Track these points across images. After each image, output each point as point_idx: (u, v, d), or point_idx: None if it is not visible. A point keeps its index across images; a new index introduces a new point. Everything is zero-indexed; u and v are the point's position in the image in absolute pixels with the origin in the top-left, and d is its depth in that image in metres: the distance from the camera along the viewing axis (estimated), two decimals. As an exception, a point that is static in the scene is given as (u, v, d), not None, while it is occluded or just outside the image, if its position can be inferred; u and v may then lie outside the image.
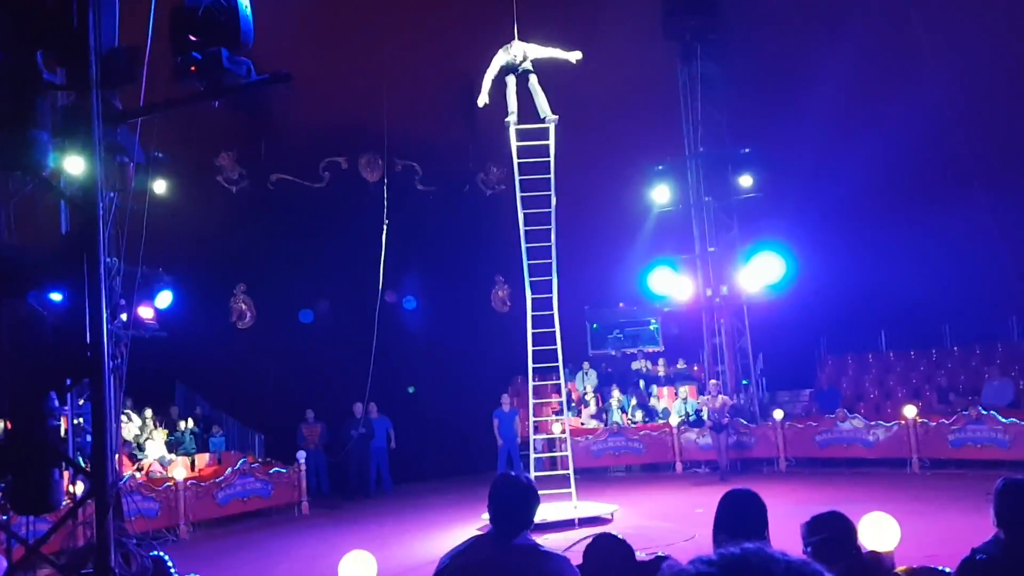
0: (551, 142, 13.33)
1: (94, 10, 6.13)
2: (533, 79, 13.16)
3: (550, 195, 13.19)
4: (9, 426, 6.64)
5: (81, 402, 11.02)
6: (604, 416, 18.15)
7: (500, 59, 12.87)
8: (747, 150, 18.12)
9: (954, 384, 16.87)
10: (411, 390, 18.76)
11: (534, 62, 13.02)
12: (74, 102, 6.36)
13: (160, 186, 13.97)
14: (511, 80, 13.06)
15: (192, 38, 6.13)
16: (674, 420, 17.14)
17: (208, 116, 11.89)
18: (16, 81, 6.06)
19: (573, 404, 18.53)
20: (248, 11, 6.04)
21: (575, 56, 13.06)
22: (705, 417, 16.36)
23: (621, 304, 20.85)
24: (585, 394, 18.70)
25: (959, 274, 16.43)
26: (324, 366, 17.35)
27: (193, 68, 6.10)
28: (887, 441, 15.09)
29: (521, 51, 12.88)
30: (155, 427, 15.67)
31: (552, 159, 13.34)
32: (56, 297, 6.71)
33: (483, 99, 12.86)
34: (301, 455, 15.48)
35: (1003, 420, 13.98)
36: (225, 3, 5.96)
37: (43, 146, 6.17)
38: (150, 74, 6.58)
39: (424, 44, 17.29)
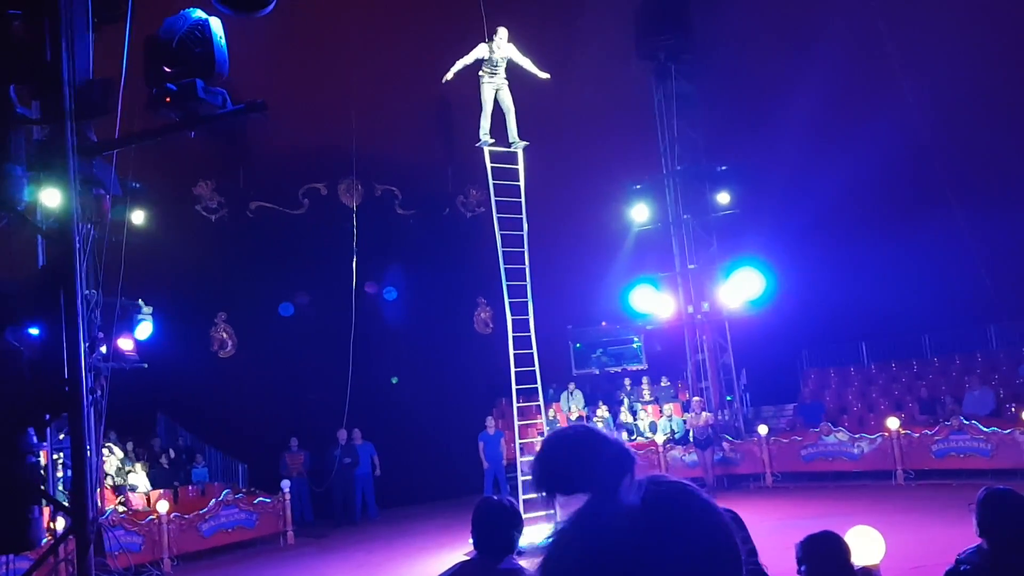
0: (520, 167, 13.45)
1: (67, 43, 6.13)
2: (506, 97, 13.25)
3: (523, 219, 13.30)
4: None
5: (61, 436, 10.89)
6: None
7: (481, 51, 13.00)
8: (724, 167, 18.27)
9: (935, 394, 16.97)
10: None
11: (508, 67, 13.20)
12: (49, 135, 6.33)
13: (138, 216, 13.90)
14: (487, 90, 13.14)
15: (167, 69, 6.14)
16: (659, 438, 17.14)
17: (186, 145, 11.84)
18: (-10, 115, 6.04)
19: (558, 425, 18.49)
20: (223, 42, 6.06)
21: (544, 75, 13.27)
22: (690, 434, 16.38)
23: (604, 323, 20.88)
24: (571, 414, 18.66)
25: (937, 285, 16.59)
26: (306, 392, 17.23)
27: (168, 99, 6.11)
28: (871, 454, 15.15)
29: (502, 51, 13.04)
30: (137, 459, 15.50)
31: (522, 184, 13.45)
32: (34, 331, 6.66)
33: (448, 77, 12.99)
34: (285, 484, 15.35)
35: (985, 429, 14.08)
36: (200, 34, 5.98)
37: (17, 180, 6.15)
38: (125, 105, 6.57)
39: (399, 68, 17.36)
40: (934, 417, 15.69)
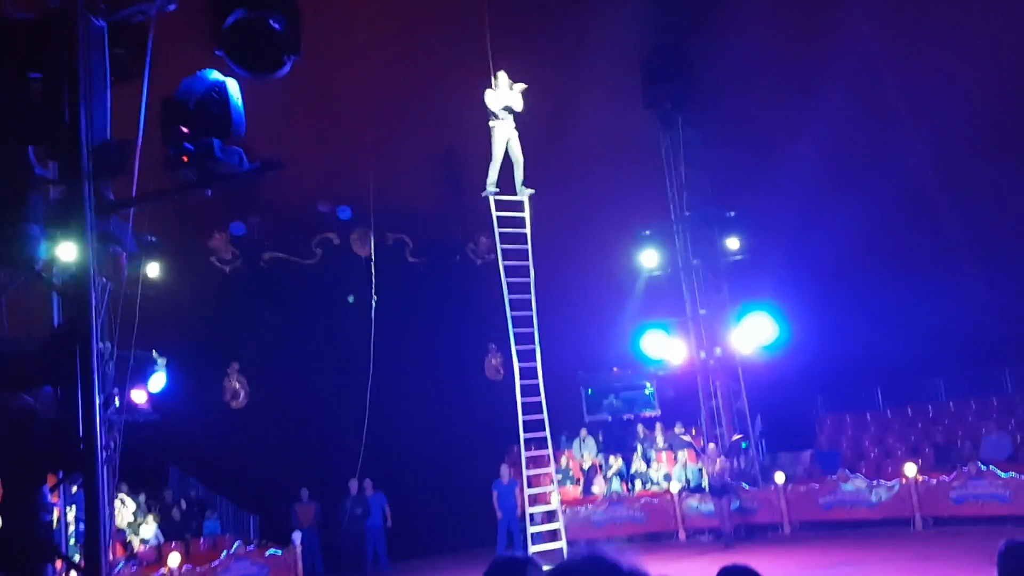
0: (527, 215, 13.53)
1: (86, 104, 6.23)
2: (516, 146, 13.36)
3: (529, 267, 13.34)
4: (0, 522, 6.54)
5: (74, 490, 10.85)
6: (603, 484, 17.92)
7: (490, 98, 13.14)
8: (732, 213, 18.33)
9: (952, 439, 16.80)
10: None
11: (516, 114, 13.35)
12: (66, 194, 6.40)
13: (153, 269, 14.00)
14: (499, 137, 13.24)
15: (184, 130, 6.22)
16: (675, 487, 16.95)
17: (199, 199, 11.98)
18: (8, 176, 6.11)
19: (571, 473, 18.33)
20: (239, 103, 6.14)
21: (521, 86, 13.39)
22: (705, 482, 16.19)
23: (615, 369, 20.78)
24: (583, 462, 18.49)
25: (951, 329, 16.50)
26: (318, 443, 17.17)
27: (185, 159, 6.18)
28: (890, 501, 14.97)
29: (505, 95, 13.17)
30: (149, 511, 15.42)
31: (528, 231, 13.51)
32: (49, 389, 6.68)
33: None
34: (296, 536, 15.22)
35: (1003, 475, 13.93)
36: (217, 96, 6.06)
37: (35, 240, 6.20)
38: (142, 162, 6.64)
39: (408, 118, 17.58)
40: (951, 463, 15.52)
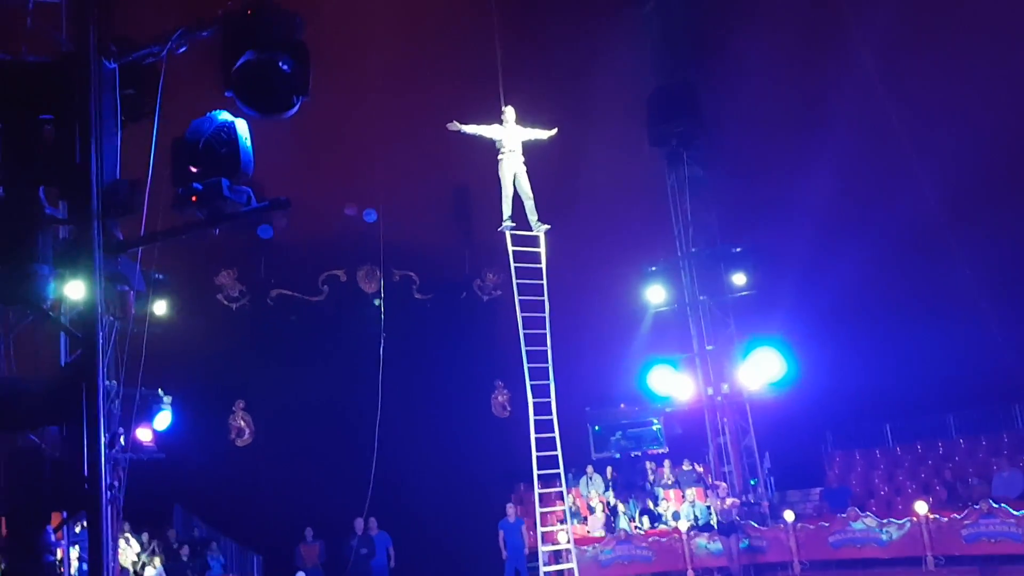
0: (542, 250, 13.53)
1: (96, 145, 6.29)
2: (524, 182, 13.38)
3: (544, 301, 13.31)
4: (3, 563, 6.50)
5: (78, 529, 10.78)
6: (612, 523, 17.74)
7: (495, 132, 13.11)
8: (739, 249, 18.35)
9: (963, 476, 16.64)
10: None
11: (525, 148, 13.35)
12: (76, 234, 6.44)
13: (160, 307, 14.03)
14: (506, 172, 13.24)
15: (193, 169, 6.28)
16: (683, 525, 16.77)
17: (207, 237, 12.04)
18: (18, 216, 6.16)
19: (577, 510, 18.15)
20: (248, 143, 6.20)
21: (551, 132, 13.40)
22: (714, 520, 16.02)
23: (623, 405, 20.66)
24: (590, 500, 18.33)
25: (960, 364, 16.39)
26: (323, 481, 17.03)
27: (194, 198, 6.23)
28: (901, 540, 14.79)
29: (512, 131, 13.18)
30: (153, 552, 15.29)
31: (544, 267, 13.51)
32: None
33: (455, 126, 12.86)
34: None
35: (1015, 513, 13.79)
36: (225, 136, 6.13)
37: (44, 279, 6.23)
38: (151, 201, 6.69)
39: (415, 154, 17.68)
40: (962, 501, 15.36)
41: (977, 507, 14.34)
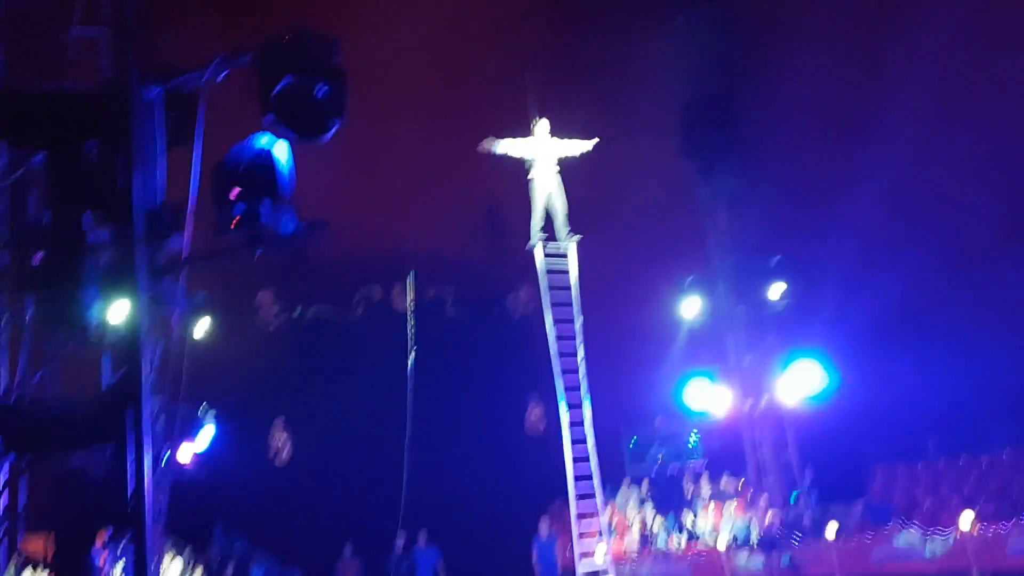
0: (573, 264, 13.50)
1: (139, 170, 6.42)
2: (557, 196, 13.37)
3: (576, 315, 13.28)
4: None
5: (122, 547, 10.91)
6: (649, 539, 17.60)
7: (527, 149, 13.10)
8: (776, 259, 18.16)
9: (1007, 488, 16.32)
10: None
11: (560, 160, 13.33)
12: (119, 258, 6.57)
13: (200, 327, 14.21)
14: (539, 186, 13.24)
15: (234, 193, 6.38)
16: (723, 541, 16.58)
17: (245, 257, 12.19)
18: (65, 241, 6.31)
19: (613, 527, 18.03)
20: (287, 166, 6.30)
21: (592, 142, 13.35)
22: (754, 535, 15.83)
23: (659, 419, 20.52)
24: (627, 515, 18.19)
25: (1005, 375, 16.12)
26: (361, 498, 17.11)
27: (235, 221, 6.33)
28: (945, 554, 14.49)
29: (546, 145, 13.16)
30: (195, 568, 15.45)
31: (574, 280, 13.48)
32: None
33: (486, 146, 12.87)
34: (340, 592, 15.12)
35: (1065, 526, 13.47)
36: (266, 159, 6.23)
37: (89, 303, 6.37)
38: (193, 223, 6.80)
39: (448, 171, 17.79)
40: (1008, 513, 15.06)
41: (1023, 520, 14.06)
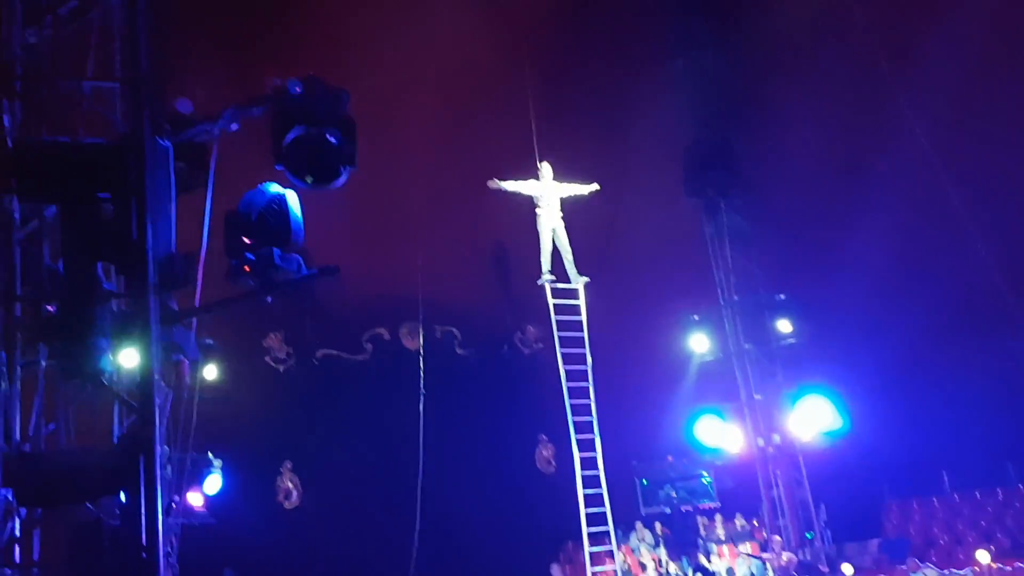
0: (582, 303, 13.53)
1: (152, 220, 6.48)
2: (562, 236, 13.47)
3: (586, 354, 13.28)
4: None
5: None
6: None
7: (532, 188, 13.29)
8: (783, 296, 18.15)
9: (1024, 524, 16.18)
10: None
11: (563, 202, 13.47)
12: (132, 307, 6.61)
13: (210, 371, 14.24)
14: (544, 226, 13.36)
15: (246, 240, 6.44)
16: (738, 581, 16.39)
17: (259, 302, 12.24)
18: (77, 293, 6.35)
19: (628, 568, 17.83)
20: (298, 214, 6.36)
21: (593, 187, 13.51)
22: (769, 576, 15.65)
23: (670, 458, 20.33)
24: (641, 558, 17.99)
25: (1019, 409, 16.01)
26: (371, 541, 16.96)
27: (247, 268, 6.38)
28: (964, 591, 14.34)
29: (549, 188, 13.33)
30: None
31: (584, 319, 13.50)
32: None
33: (495, 184, 13.08)
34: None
35: (1085, 562, 13.29)
36: (277, 207, 6.30)
37: (102, 352, 6.39)
38: (205, 272, 6.84)
39: (454, 212, 17.89)
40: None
41: (1042, 557, 13.90)
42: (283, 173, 6.48)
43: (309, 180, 6.24)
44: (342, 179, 6.43)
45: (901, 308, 16.24)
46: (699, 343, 18.84)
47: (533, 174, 13.72)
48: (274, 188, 6.45)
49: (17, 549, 6.62)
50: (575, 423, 13.03)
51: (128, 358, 6.97)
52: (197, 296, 6.94)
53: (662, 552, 18.00)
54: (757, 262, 18.39)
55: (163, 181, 6.61)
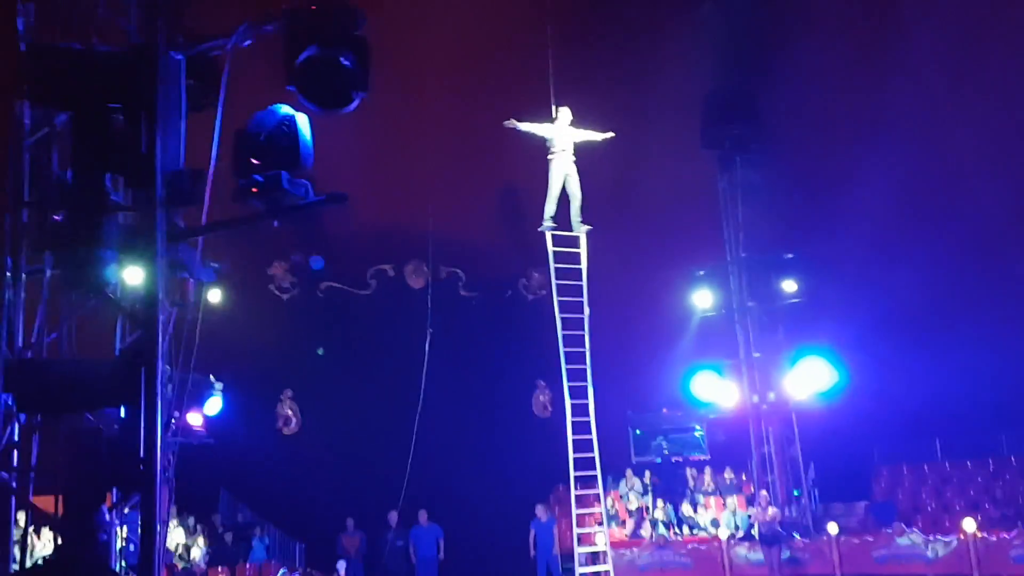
0: (583, 252, 13.48)
1: (162, 134, 6.44)
2: (574, 182, 13.36)
3: (584, 303, 13.27)
4: (59, 540, 6.68)
5: (127, 510, 11.01)
6: (649, 528, 17.65)
7: (547, 130, 13.17)
8: (790, 255, 18.09)
9: (1013, 495, 16.30)
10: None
11: (577, 148, 13.35)
12: (139, 221, 6.60)
13: (214, 295, 14.29)
14: (556, 171, 13.26)
15: (255, 161, 6.39)
16: (723, 533, 16.63)
17: (262, 227, 12.22)
18: (85, 203, 6.33)
19: (616, 513, 18.11)
20: (308, 137, 6.30)
21: (608, 135, 13.37)
22: (756, 530, 15.85)
23: (665, 410, 20.53)
24: (629, 504, 18.26)
25: (1016, 381, 16.05)
26: (366, 472, 17.23)
27: (255, 189, 6.35)
28: (947, 557, 14.50)
29: (565, 132, 13.20)
30: (198, 534, 15.61)
31: (584, 268, 13.46)
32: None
33: (511, 123, 12.99)
34: (341, 565, 15.25)
35: (1069, 536, 13.44)
36: (287, 129, 6.24)
37: (107, 264, 6.40)
38: (212, 191, 6.81)
39: (467, 151, 17.74)
40: (1012, 520, 15.04)
41: (1028, 528, 14.06)
42: (294, 95, 6.40)
43: (320, 104, 6.15)
44: (354, 104, 6.35)
45: (901, 270, 16.18)
46: (702, 298, 18.85)
47: (549, 117, 13.56)
48: (285, 109, 6.39)
49: (16, 454, 6.68)
50: (569, 371, 13.07)
51: (133, 274, 7.00)
52: (204, 215, 6.91)
53: (649, 500, 18.27)
54: (767, 219, 18.27)
55: (174, 96, 6.55)
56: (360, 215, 16.33)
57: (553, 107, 13.71)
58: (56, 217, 6.51)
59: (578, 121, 13.55)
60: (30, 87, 6.37)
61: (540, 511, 16.95)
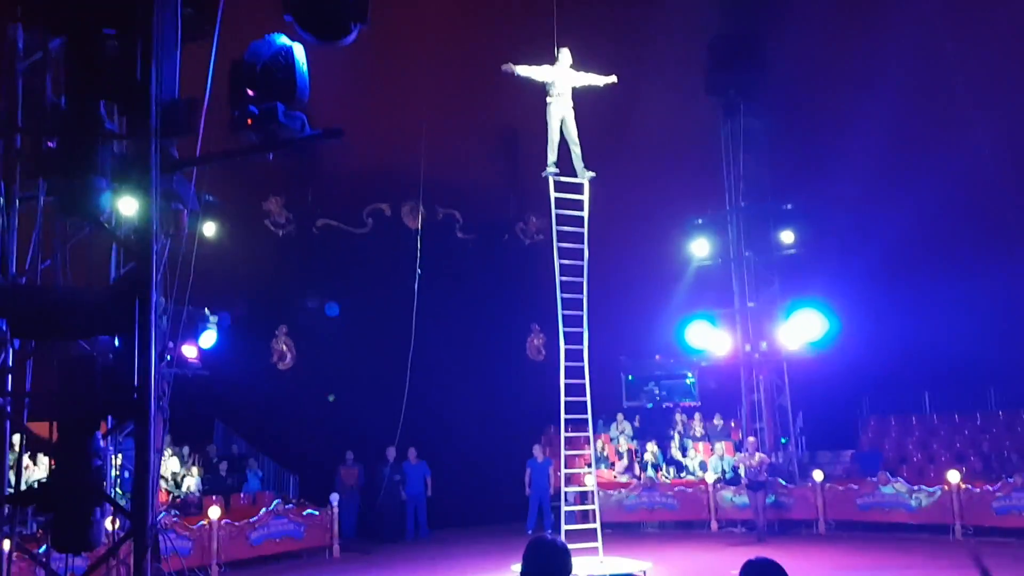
0: (585, 198, 13.43)
1: (157, 62, 6.35)
2: (572, 127, 13.22)
3: (584, 249, 13.26)
4: (53, 464, 6.76)
5: (121, 438, 11.14)
6: (638, 469, 17.94)
7: (546, 73, 12.99)
8: (789, 206, 18.05)
9: (999, 449, 16.51)
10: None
11: (576, 92, 13.18)
12: (133, 150, 6.55)
13: (209, 228, 14.26)
14: (554, 116, 13.11)
15: (250, 92, 6.32)
16: (710, 477, 16.89)
17: (258, 162, 12.14)
18: (79, 129, 6.27)
19: (606, 455, 18.37)
20: (304, 69, 6.22)
21: (611, 79, 13.20)
22: (742, 475, 16.11)
23: (658, 356, 20.72)
24: (619, 447, 18.52)
25: (1007, 335, 16.15)
26: (360, 409, 17.43)
27: (250, 121, 6.28)
28: (930, 507, 14.77)
29: (565, 74, 13.02)
30: (193, 464, 15.83)
31: (586, 215, 13.42)
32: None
33: (509, 67, 12.81)
34: (334, 497, 15.49)
35: (1051, 489, 13.64)
36: (283, 60, 6.15)
37: (101, 192, 6.36)
38: (207, 123, 6.75)
39: (466, 93, 17.56)
40: (996, 473, 15.26)
41: (1011, 480, 14.25)
42: (292, 26, 6.31)
43: (317, 34, 6.06)
44: (351, 36, 6.25)
45: (899, 223, 16.18)
46: (700, 247, 18.87)
47: (548, 60, 13.37)
48: (281, 40, 6.29)
49: (10, 379, 6.73)
50: (565, 316, 13.10)
51: (128, 204, 6.96)
52: (198, 146, 6.86)
53: (638, 444, 18.54)
54: (767, 169, 18.20)
55: (171, 23, 6.44)
56: (357, 153, 16.24)
57: (556, 49, 13.50)
58: (50, 144, 6.45)
59: (579, 64, 13.36)
60: (23, 9, 6.27)
61: (537, 451, 17.24)
